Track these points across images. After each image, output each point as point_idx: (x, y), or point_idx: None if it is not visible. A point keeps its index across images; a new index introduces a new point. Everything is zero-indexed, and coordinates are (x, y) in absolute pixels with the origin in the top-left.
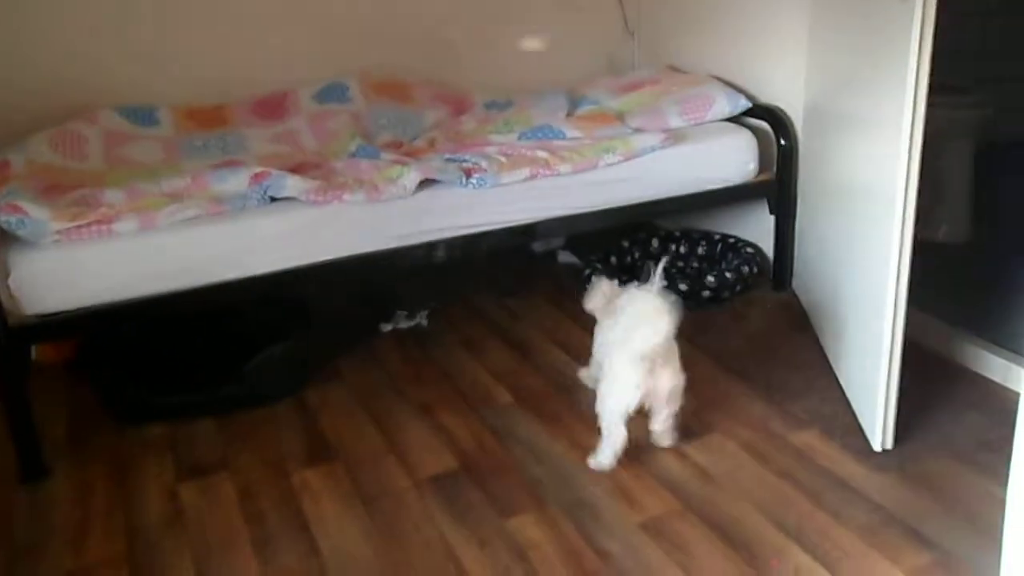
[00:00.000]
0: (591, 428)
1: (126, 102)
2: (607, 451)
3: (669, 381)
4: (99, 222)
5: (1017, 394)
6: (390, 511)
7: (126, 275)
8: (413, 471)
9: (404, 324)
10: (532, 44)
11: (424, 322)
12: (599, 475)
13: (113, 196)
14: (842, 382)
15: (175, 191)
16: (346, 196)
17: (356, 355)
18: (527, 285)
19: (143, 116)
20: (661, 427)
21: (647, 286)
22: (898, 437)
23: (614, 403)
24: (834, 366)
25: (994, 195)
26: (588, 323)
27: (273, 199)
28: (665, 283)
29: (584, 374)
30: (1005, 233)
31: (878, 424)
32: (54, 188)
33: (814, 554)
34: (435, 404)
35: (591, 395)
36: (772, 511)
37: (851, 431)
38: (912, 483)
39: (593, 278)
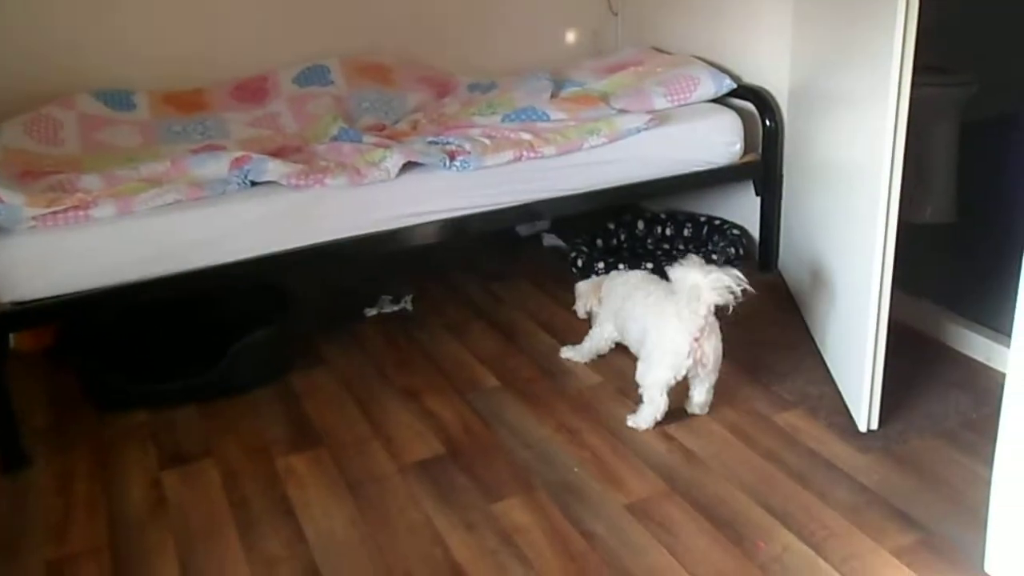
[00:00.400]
0: (577, 410)
1: (102, 86)
2: (648, 417)
3: (715, 349)
4: (76, 208)
5: (1001, 374)
6: (376, 496)
7: (104, 261)
8: (398, 456)
9: (388, 309)
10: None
11: (409, 307)
12: (585, 457)
13: (90, 181)
14: (828, 363)
15: (154, 176)
16: (328, 180)
17: (340, 340)
18: (512, 268)
19: (120, 100)
20: (704, 397)
21: (692, 258)
22: (883, 417)
23: (664, 373)
24: (820, 347)
25: (979, 175)
26: (573, 306)
27: (254, 183)
28: (651, 265)
29: (569, 353)
30: (990, 213)
31: (863, 404)
32: (29, 174)
33: (800, 534)
34: (420, 388)
35: (578, 375)
36: (758, 492)
37: (837, 411)
38: (897, 463)
39: (577, 286)
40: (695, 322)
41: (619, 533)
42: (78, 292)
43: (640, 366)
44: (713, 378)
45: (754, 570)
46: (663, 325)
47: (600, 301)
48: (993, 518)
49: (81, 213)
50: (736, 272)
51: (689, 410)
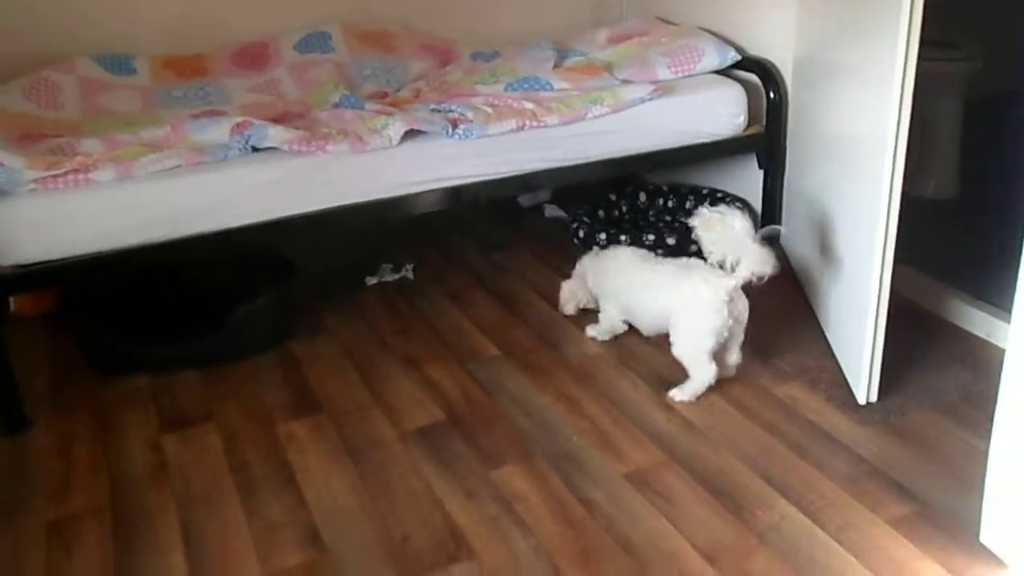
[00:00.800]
0: (578, 380)
1: (102, 50)
2: (700, 386)
3: (745, 307)
4: (76, 171)
5: (1001, 349)
6: (376, 462)
7: (105, 225)
8: (399, 423)
9: (389, 277)
10: None
11: (410, 275)
12: (585, 427)
13: (90, 145)
14: (828, 336)
15: (154, 141)
16: (330, 147)
17: (341, 308)
18: (513, 239)
19: (120, 65)
20: (737, 355)
21: (725, 208)
22: (882, 391)
23: (707, 340)
24: (820, 320)
25: (983, 150)
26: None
27: (255, 149)
28: (652, 237)
29: (592, 332)
30: (992, 189)
31: (863, 377)
32: (28, 137)
33: (798, 504)
34: (421, 357)
35: (579, 345)
36: (757, 462)
37: (836, 384)
38: (895, 436)
39: (563, 285)
40: (727, 282)
41: (618, 501)
42: (78, 256)
43: (678, 341)
44: (743, 336)
45: (752, 538)
46: (693, 294)
47: (592, 290)
48: (989, 490)
49: (81, 177)
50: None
51: (721, 374)
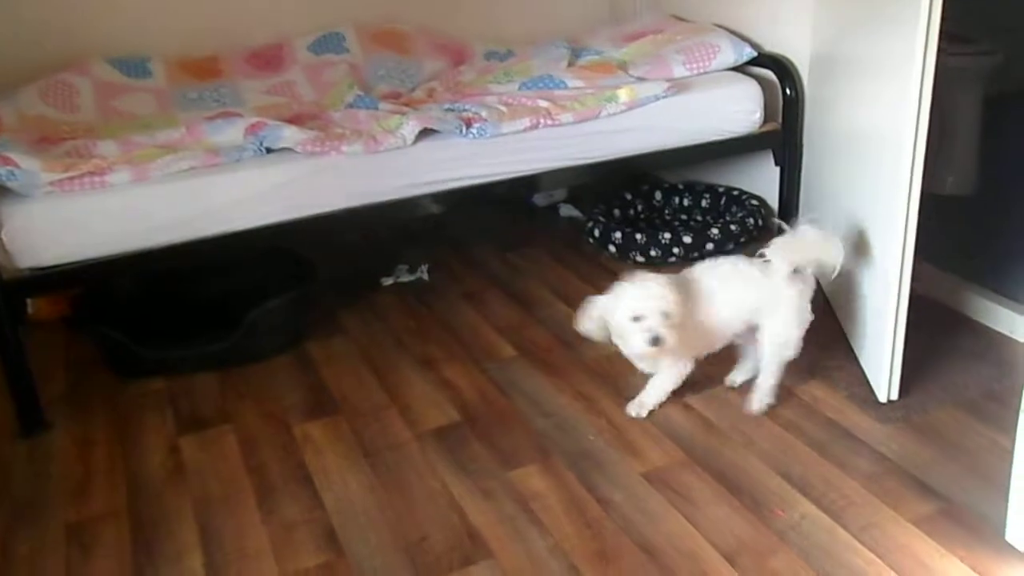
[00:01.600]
0: (595, 379)
1: (117, 53)
2: (774, 393)
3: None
4: (92, 174)
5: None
6: (393, 463)
7: (121, 228)
8: (415, 424)
9: (405, 278)
10: None
11: (425, 276)
12: (602, 426)
13: (106, 148)
14: (848, 334)
15: (170, 143)
16: (344, 147)
17: (357, 309)
18: (529, 239)
19: (135, 67)
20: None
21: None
22: (904, 388)
23: (799, 336)
24: (840, 318)
25: (1002, 146)
26: (591, 277)
27: (269, 150)
28: (668, 235)
29: (642, 406)
30: (1011, 186)
31: (884, 375)
32: (45, 139)
33: (819, 503)
34: (437, 357)
35: (595, 345)
36: (776, 461)
37: (856, 382)
38: (917, 433)
39: (586, 301)
40: (807, 281)
41: (636, 501)
42: (94, 259)
43: (774, 349)
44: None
45: (772, 537)
46: (783, 298)
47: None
48: (1015, 487)
49: (97, 179)
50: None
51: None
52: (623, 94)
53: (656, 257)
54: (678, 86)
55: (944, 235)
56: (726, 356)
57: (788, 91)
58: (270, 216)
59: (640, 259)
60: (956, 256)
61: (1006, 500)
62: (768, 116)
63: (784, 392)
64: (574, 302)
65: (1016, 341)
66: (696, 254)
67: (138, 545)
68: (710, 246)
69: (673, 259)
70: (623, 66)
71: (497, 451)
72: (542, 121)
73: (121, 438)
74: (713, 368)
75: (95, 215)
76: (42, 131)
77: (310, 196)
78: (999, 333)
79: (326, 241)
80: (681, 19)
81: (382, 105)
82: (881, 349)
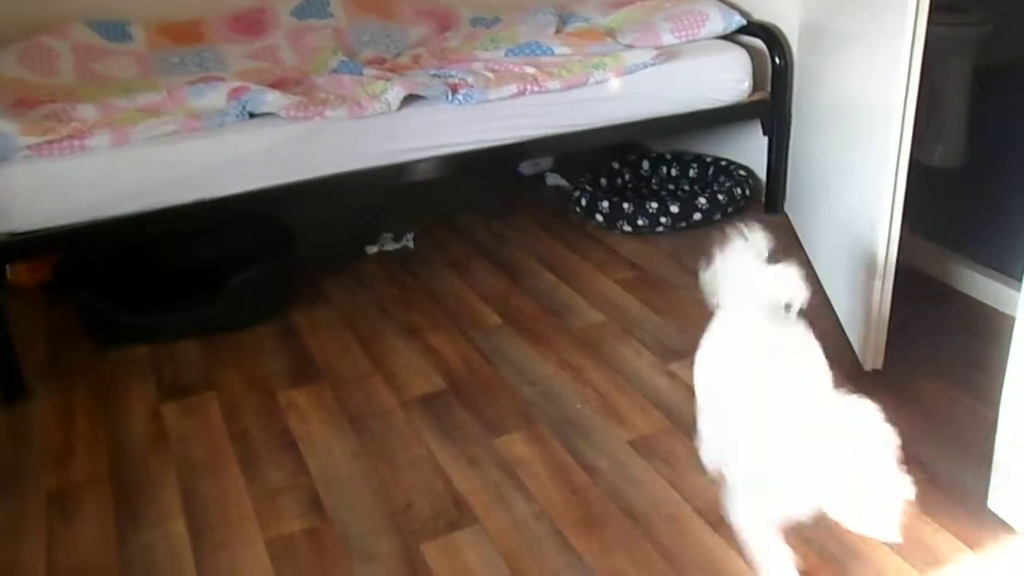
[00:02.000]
0: (580, 348)
1: (97, 16)
2: None
3: None
4: (71, 137)
5: (1010, 317)
6: (378, 430)
7: (101, 192)
8: (400, 391)
9: (390, 246)
10: None
11: (410, 244)
12: (588, 394)
13: (86, 111)
14: (833, 303)
15: (151, 106)
16: (328, 112)
17: (341, 277)
18: (515, 208)
19: (115, 31)
20: None
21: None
22: (888, 358)
23: None
24: (825, 287)
25: (991, 117)
26: (577, 246)
27: (252, 115)
28: (655, 205)
29: None
30: (999, 157)
31: (869, 345)
32: (23, 102)
33: None
34: (422, 326)
35: (581, 314)
36: None
37: (841, 351)
38: (902, 404)
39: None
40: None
41: (621, 467)
42: (74, 223)
43: None
44: None
45: None
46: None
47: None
48: (998, 457)
49: (77, 143)
50: None
51: None
52: (611, 61)
53: (644, 227)
54: (666, 54)
55: (932, 206)
56: None
57: (777, 60)
58: (253, 181)
59: (627, 229)
60: (943, 227)
61: (989, 469)
62: (757, 85)
63: None
64: (560, 271)
65: (1001, 312)
66: (683, 224)
67: (121, 511)
68: (697, 216)
69: (661, 228)
70: (611, 33)
71: (482, 419)
72: (529, 88)
73: (103, 405)
74: (699, 336)
75: (74, 179)
76: (20, 94)
77: (293, 161)
78: (984, 304)
79: (311, 208)
80: None
81: (366, 70)
82: (866, 319)
